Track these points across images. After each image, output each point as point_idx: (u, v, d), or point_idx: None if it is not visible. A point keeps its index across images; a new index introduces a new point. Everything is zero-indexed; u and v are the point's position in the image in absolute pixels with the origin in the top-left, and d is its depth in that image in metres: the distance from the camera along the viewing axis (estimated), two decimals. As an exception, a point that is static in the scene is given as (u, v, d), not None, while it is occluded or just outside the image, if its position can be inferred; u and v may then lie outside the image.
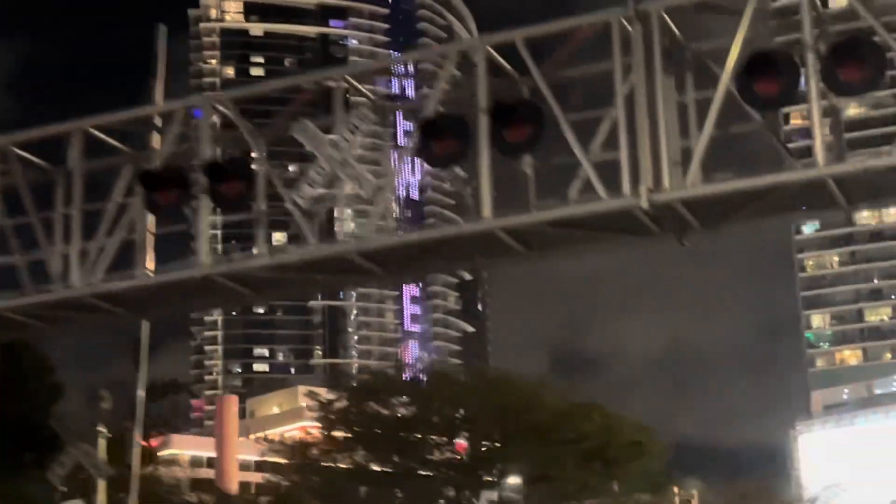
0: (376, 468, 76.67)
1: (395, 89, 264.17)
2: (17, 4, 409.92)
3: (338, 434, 79.96)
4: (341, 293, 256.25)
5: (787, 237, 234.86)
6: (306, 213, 23.27)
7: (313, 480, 79.22)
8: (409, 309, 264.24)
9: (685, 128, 20.06)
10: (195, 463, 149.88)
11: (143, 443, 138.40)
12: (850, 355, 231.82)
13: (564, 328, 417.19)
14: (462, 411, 78.45)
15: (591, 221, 20.20)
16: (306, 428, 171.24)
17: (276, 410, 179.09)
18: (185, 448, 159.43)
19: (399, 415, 78.08)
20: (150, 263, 23.33)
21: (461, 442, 78.05)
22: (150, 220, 23.31)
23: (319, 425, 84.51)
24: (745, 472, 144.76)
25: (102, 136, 23.38)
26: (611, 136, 19.87)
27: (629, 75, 19.73)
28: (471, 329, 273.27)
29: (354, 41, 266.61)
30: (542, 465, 76.27)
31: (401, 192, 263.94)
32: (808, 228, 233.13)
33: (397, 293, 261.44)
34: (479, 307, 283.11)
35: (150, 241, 23.48)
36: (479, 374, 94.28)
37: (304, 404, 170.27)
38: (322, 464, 79.89)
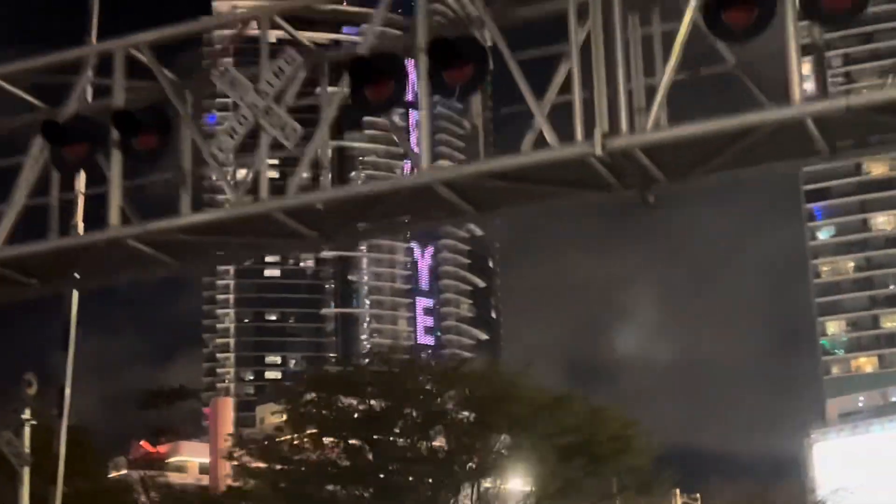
0: (346, 464, 73.86)
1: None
2: None
3: (307, 429, 77.22)
4: (354, 301, 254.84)
5: (801, 242, 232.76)
6: (224, 165, 20.65)
7: (280, 478, 76.21)
8: (422, 321, 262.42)
9: (651, 69, 17.81)
10: (204, 470, 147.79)
11: (151, 449, 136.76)
12: (866, 362, 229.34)
13: (580, 337, 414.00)
14: (439, 402, 75.50)
15: (540, 173, 18.04)
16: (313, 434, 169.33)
17: (285, 417, 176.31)
18: (194, 455, 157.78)
19: (371, 407, 75.10)
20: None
21: (439, 436, 75.13)
22: (81, 179, 21.32)
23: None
24: (760, 480, 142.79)
25: (12, 88, 20.65)
26: (568, 81, 17.75)
27: (586, 13, 17.68)
28: (484, 337, 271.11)
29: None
30: (523, 460, 73.38)
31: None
32: (824, 234, 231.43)
33: (410, 301, 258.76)
34: (493, 314, 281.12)
35: (80, 202, 21.84)
36: (455, 364, 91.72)
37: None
38: (294, 460, 76.97)
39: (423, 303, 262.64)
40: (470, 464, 72.98)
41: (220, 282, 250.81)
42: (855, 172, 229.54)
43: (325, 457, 74.95)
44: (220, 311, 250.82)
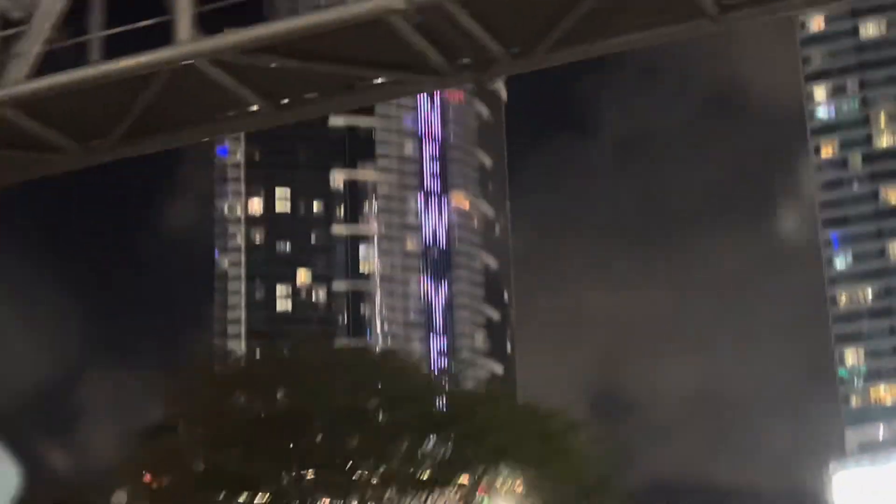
0: (238, 470, 67.20)
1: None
2: None
3: (199, 431, 70.80)
4: (368, 331, 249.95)
5: (818, 273, 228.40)
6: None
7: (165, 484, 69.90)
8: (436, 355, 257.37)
9: None
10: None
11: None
12: (886, 392, 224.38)
13: (599, 371, 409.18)
14: (354, 400, 69.13)
15: (340, 46, 13.08)
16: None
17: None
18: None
19: (270, 407, 68.82)
20: None
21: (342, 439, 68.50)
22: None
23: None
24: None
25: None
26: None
27: None
28: (499, 370, 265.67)
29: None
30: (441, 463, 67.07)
31: (426, 238, 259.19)
32: (840, 262, 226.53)
33: (423, 333, 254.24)
34: (508, 348, 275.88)
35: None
36: (362, 354, 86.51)
37: None
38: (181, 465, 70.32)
39: (436, 338, 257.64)
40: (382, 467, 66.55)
41: (231, 314, 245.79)
42: (872, 199, 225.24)
43: (216, 462, 67.71)
44: (230, 345, 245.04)
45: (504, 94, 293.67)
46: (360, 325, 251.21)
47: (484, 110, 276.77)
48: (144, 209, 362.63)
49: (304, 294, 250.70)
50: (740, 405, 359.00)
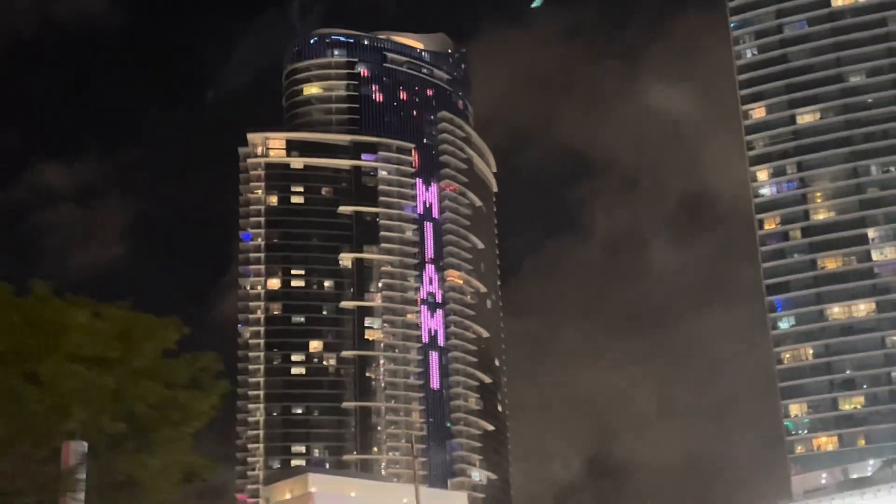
0: None
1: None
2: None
3: None
4: (373, 399, 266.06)
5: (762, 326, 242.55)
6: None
7: None
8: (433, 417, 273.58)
9: None
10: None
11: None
12: (827, 441, 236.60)
13: (590, 436, 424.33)
14: None
15: None
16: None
17: (287, 496, 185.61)
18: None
19: None
20: None
21: None
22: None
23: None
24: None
25: None
26: None
27: None
28: (491, 427, 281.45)
29: (384, 172, 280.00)
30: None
31: (425, 310, 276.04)
32: (784, 324, 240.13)
33: (422, 395, 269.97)
34: (500, 408, 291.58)
35: None
36: None
37: (313, 489, 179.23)
38: None
39: (433, 398, 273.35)
40: None
41: (251, 379, 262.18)
42: (811, 267, 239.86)
43: None
44: (251, 406, 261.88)
45: (495, 185, 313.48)
46: (366, 388, 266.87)
47: (476, 199, 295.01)
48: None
49: (316, 361, 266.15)
50: (721, 471, 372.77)
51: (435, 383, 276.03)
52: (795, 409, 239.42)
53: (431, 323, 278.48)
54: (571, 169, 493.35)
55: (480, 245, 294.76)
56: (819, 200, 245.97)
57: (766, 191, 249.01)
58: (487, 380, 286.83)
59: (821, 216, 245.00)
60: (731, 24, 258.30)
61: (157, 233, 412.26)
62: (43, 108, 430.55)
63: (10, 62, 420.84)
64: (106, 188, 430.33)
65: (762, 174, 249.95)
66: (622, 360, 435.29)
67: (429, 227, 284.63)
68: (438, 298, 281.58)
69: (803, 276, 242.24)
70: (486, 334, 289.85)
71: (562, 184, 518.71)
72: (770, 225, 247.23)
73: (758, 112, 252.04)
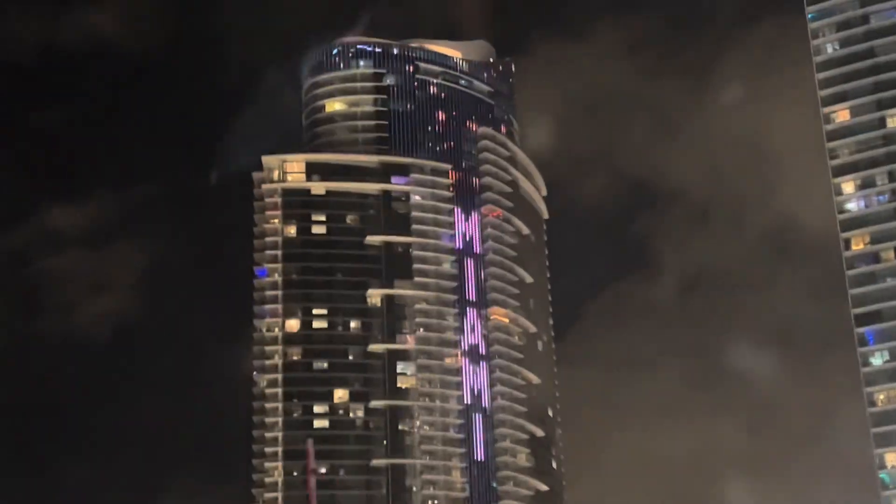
0: None
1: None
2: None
3: None
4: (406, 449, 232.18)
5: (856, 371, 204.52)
6: None
7: None
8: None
9: None
10: None
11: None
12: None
13: (662, 497, 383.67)
14: None
15: None
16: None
17: None
18: None
19: None
20: None
21: None
22: None
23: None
24: None
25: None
26: None
27: None
28: (545, 488, 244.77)
29: (417, 197, 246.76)
30: None
31: (465, 353, 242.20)
32: (877, 359, 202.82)
33: (464, 450, 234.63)
34: (554, 465, 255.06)
35: None
36: None
37: None
38: None
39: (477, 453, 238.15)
40: None
41: (268, 434, 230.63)
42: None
43: None
44: (268, 465, 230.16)
45: (545, 211, 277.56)
46: (399, 444, 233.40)
47: (523, 226, 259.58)
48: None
49: (341, 412, 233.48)
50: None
51: (479, 437, 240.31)
52: (892, 458, 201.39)
53: (472, 368, 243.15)
54: (635, 200, 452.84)
55: (529, 279, 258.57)
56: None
57: (853, 205, 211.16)
58: (539, 433, 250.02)
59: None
60: (809, 16, 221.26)
61: (170, 276, 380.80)
62: (48, 143, 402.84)
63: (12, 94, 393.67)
64: (116, 230, 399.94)
65: (848, 186, 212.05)
66: (701, 412, 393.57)
67: (468, 259, 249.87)
68: (482, 350, 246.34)
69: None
70: (536, 381, 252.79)
71: (624, 217, 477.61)
72: (858, 245, 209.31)
73: (841, 115, 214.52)
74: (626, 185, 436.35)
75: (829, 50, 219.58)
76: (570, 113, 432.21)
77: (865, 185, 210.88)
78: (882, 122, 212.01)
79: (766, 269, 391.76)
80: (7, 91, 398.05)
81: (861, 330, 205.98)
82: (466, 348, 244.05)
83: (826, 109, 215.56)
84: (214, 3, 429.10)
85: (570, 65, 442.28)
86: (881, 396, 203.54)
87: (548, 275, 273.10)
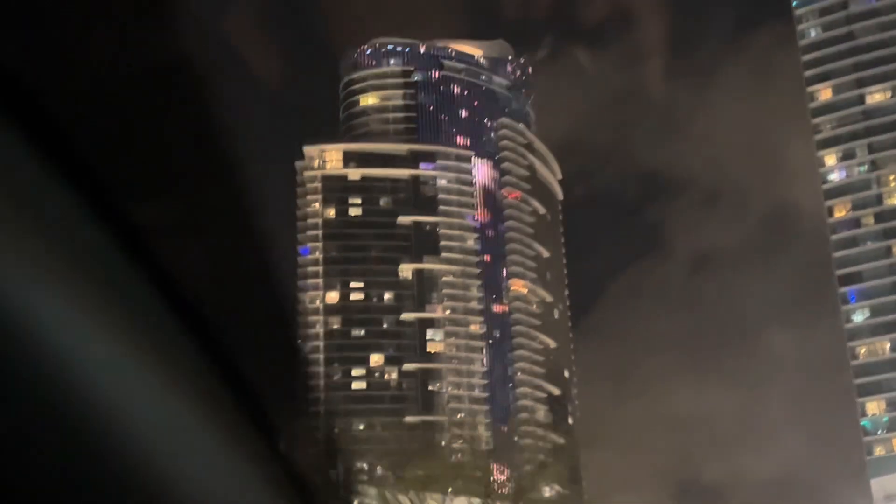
0: None
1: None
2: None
3: None
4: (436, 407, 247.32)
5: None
6: None
7: None
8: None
9: None
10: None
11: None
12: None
13: (671, 456, 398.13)
14: None
15: None
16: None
17: None
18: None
19: None
20: None
21: None
22: None
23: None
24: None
25: None
26: None
27: None
28: (560, 441, 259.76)
29: (443, 181, 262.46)
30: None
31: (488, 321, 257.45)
32: (858, 317, 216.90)
33: (488, 408, 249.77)
34: (570, 421, 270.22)
35: None
36: None
37: None
38: None
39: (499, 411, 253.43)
40: None
41: (311, 396, 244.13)
42: (886, 255, 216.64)
43: None
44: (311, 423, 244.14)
45: (560, 193, 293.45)
46: (429, 401, 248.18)
47: (539, 206, 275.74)
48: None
49: (377, 375, 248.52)
50: (799, 477, 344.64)
51: (501, 395, 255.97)
52: (873, 407, 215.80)
53: (495, 334, 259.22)
54: (649, 189, 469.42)
55: (546, 254, 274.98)
56: (892, 184, 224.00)
57: (835, 176, 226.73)
58: (556, 391, 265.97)
59: (895, 200, 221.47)
60: (794, 3, 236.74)
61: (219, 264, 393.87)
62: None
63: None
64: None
65: (830, 159, 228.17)
66: (709, 380, 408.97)
67: (490, 236, 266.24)
68: (502, 309, 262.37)
69: (877, 265, 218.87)
70: (553, 345, 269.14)
71: (638, 204, 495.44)
72: (840, 212, 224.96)
73: (824, 93, 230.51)
74: (642, 176, 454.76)
75: (813, 34, 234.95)
76: (589, 113, 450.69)
77: (847, 156, 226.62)
78: (861, 99, 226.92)
79: (767, 249, 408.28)
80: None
81: (844, 290, 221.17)
82: (489, 315, 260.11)
83: (810, 88, 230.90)
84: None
85: (589, 66, 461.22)
86: (863, 350, 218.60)
87: (563, 250, 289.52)
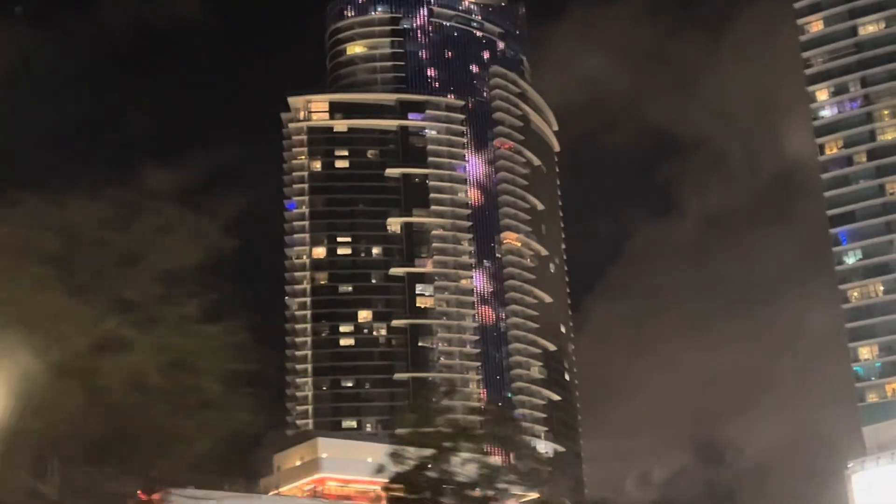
0: None
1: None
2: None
3: None
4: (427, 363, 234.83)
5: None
6: None
7: None
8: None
9: None
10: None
11: (143, 496, 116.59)
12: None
13: (681, 415, 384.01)
14: None
15: None
16: (324, 479, 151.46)
17: (298, 462, 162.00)
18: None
19: None
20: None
21: None
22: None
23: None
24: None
25: None
26: None
27: None
28: (557, 397, 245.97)
29: (433, 132, 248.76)
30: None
31: (479, 275, 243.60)
32: (850, 258, 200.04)
33: (479, 363, 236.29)
34: (567, 377, 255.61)
35: None
36: None
37: (323, 455, 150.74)
38: None
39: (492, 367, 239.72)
40: None
41: (298, 353, 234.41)
42: (879, 193, 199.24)
43: None
44: (299, 381, 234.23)
45: (556, 144, 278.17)
46: (419, 358, 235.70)
47: (534, 158, 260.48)
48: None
49: (365, 331, 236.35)
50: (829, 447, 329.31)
51: (493, 351, 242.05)
52: (865, 351, 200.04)
53: (486, 288, 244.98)
54: (660, 148, 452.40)
55: (540, 206, 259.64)
56: (886, 119, 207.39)
57: (827, 112, 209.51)
58: (551, 347, 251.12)
59: (888, 136, 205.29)
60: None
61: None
62: (141, 113, 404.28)
63: (105, 69, 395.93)
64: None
65: (821, 94, 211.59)
66: (723, 340, 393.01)
67: (481, 188, 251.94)
68: (494, 262, 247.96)
69: (870, 204, 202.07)
70: (548, 299, 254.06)
71: (651, 163, 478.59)
72: (832, 149, 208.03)
73: (815, 25, 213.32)
74: (653, 134, 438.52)
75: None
76: (600, 71, 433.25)
77: (838, 91, 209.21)
78: (854, 31, 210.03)
79: (781, 205, 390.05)
80: (105, 69, 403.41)
81: (835, 231, 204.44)
82: (481, 269, 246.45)
83: (800, 21, 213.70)
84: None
85: (600, 28, 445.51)
86: (855, 293, 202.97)
87: (560, 203, 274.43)
